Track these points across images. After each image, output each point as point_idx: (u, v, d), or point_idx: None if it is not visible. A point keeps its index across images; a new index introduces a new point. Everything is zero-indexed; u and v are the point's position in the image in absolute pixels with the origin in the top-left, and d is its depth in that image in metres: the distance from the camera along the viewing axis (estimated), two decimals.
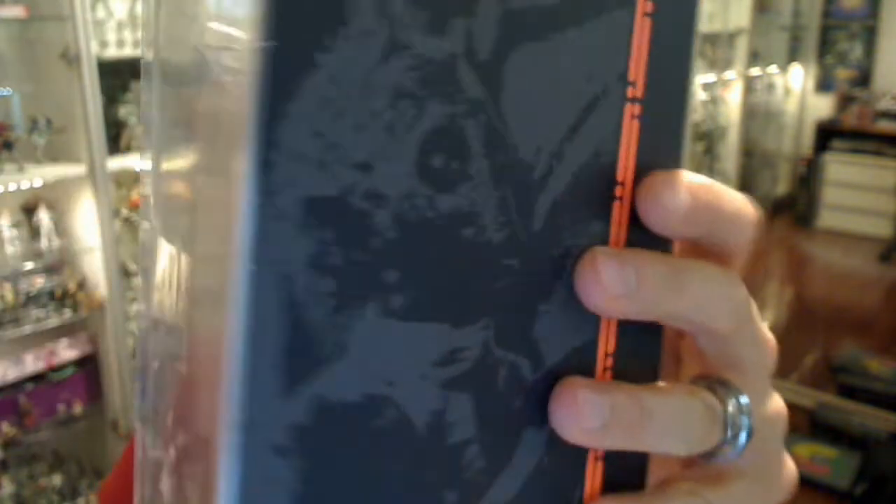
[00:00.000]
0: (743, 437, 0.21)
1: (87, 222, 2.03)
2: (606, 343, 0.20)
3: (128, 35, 2.10)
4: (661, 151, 0.20)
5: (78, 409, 2.09)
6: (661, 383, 0.21)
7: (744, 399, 0.21)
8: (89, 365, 2.12)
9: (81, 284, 2.06)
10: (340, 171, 0.16)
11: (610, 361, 0.20)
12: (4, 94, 1.94)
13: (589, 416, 0.19)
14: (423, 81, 0.17)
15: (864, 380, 2.79)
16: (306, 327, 0.16)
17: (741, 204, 0.21)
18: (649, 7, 0.19)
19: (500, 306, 0.18)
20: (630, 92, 0.19)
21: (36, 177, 1.91)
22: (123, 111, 2.16)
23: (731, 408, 0.21)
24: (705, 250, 0.21)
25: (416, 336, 0.17)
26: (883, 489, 2.34)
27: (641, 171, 0.19)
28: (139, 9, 2.13)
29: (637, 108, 0.19)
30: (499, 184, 0.18)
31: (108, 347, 2.10)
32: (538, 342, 0.19)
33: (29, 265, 1.98)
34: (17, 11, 1.87)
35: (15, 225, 1.97)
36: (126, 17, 2.10)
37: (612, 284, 0.19)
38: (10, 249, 1.95)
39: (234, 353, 0.16)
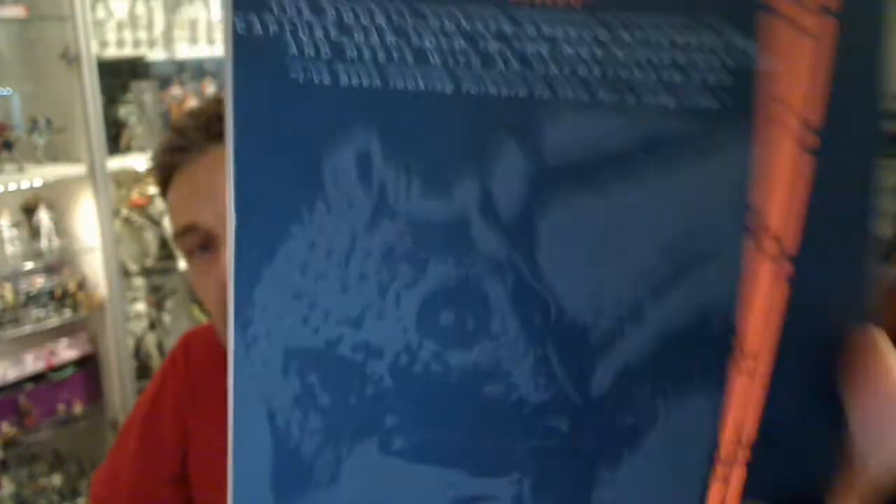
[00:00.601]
0: None
1: (87, 222, 2.03)
2: None
3: (128, 35, 2.10)
4: (825, 322, 0.16)
5: (78, 408, 2.09)
6: None
7: None
8: (89, 365, 2.12)
9: (81, 284, 2.06)
10: (325, 326, 0.17)
11: None
12: (4, 94, 1.94)
13: None
14: (422, 244, 0.16)
15: None
16: (293, 455, 0.18)
17: None
18: (815, 143, 0.16)
19: (540, 465, 0.17)
20: (765, 242, 0.15)
21: (36, 177, 1.91)
22: (123, 111, 2.16)
23: None
24: None
25: (425, 476, 0.18)
26: None
27: (791, 345, 0.16)
28: (139, 9, 2.12)
29: (781, 262, 0.15)
30: (535, 344, 0.17)
31: (108, 347, 2.10)
32: None
33: (29, 265, 1.98)
34: (17, 11, 1.87)
35: (15, 225, 1.97)
36: (126, 17, 2.10)
37: None
38: (10, 249, 1.95)
39: (232, 462, 0.18)
